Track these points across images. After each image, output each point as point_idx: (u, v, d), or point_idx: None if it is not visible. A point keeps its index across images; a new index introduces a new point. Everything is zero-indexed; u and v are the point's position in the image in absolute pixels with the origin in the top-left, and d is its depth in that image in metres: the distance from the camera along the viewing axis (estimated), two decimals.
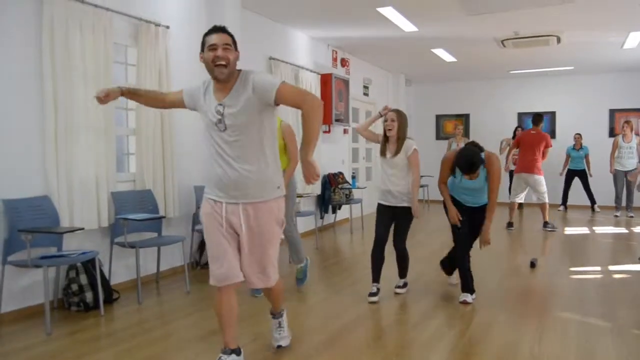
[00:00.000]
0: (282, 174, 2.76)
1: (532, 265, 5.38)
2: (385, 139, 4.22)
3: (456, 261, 4.34)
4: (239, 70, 2.58)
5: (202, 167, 5.56)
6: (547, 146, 7.69)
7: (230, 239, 2.67)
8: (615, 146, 9.25)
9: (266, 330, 3.34)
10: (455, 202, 4.24)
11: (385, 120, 4.17)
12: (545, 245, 6.84)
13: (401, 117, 4.17)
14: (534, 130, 7.84)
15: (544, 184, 7.77)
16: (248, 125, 2.53)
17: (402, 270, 4.45)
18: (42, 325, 3.53)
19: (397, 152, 4.14)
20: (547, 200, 7.84)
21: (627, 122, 9.20)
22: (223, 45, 2.51)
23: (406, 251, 4.38)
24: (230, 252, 2.66)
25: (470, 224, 4.20)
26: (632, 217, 9.24)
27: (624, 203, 9.44)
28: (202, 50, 2.56)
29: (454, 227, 4.25)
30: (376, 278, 4.31)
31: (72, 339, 3.42)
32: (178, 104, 2.81)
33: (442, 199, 4.28)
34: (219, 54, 2.49)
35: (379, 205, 4.31)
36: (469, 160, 3.89)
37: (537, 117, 7.94)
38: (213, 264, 2.69)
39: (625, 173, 9.20)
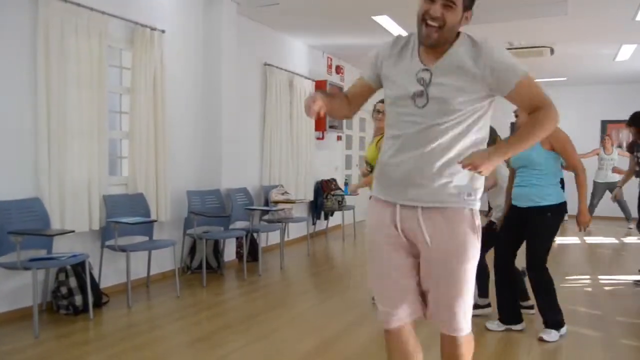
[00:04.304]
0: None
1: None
2: None
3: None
4: (459, 33, 1.83)
5: (195, 171, 5.57)
6: None
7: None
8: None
9: None
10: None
11: None
12: None
13: None
14: None
15: None
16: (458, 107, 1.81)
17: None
18: (30, 328, 3.50)
19: None
20: None
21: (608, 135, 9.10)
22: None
23: None
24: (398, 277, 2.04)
25: (517, 231, 3.78)
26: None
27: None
28: None
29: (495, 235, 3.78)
30: None
31: (60, 343, 3.39)
32: (362, 96, 2.06)
33: None
34: (431, 11, 1.75)
35: None
36: None
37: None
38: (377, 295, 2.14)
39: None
